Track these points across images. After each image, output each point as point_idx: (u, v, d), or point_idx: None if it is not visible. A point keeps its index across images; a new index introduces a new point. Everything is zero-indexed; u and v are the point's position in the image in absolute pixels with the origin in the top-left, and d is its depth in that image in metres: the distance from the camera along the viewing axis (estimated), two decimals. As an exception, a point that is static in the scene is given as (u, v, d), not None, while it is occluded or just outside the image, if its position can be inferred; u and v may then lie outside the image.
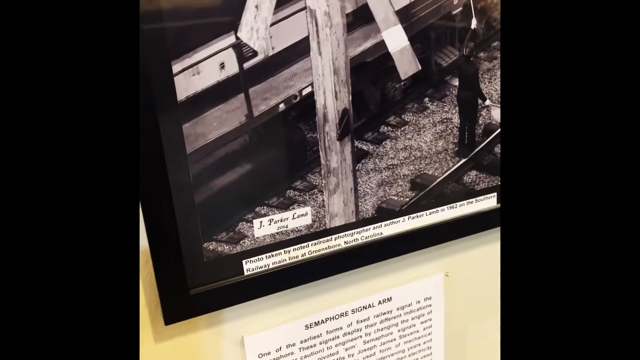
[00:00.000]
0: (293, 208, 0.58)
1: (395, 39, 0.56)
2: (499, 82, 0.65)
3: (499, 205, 0.69)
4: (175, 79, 0.49)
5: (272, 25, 0.51)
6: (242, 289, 0.58)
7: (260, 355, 0.62)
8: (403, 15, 0.56)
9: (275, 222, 0.57)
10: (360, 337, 0.68)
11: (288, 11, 0.51)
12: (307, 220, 0.59)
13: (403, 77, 0.59)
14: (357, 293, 0.67)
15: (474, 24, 0.60)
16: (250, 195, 0.55)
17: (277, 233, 0.58)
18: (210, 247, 0.55)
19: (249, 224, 0.56)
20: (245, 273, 0.57)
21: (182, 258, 0.53)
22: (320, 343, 0.65)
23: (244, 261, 0.57)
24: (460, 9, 0.59)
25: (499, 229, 0.70)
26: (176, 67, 0.48)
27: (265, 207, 0.57)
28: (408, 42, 0.57)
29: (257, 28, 0.50)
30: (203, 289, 0.56)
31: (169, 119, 0.49)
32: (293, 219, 0.58)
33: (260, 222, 0.57)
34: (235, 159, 0.53)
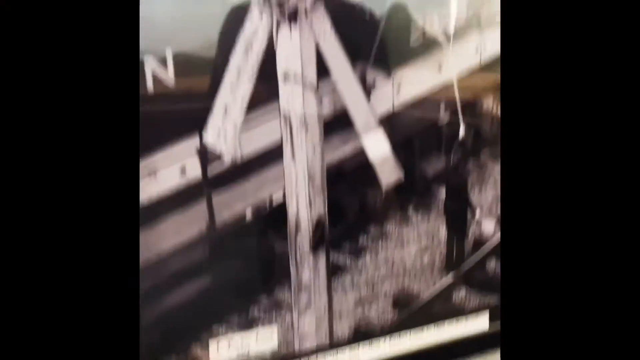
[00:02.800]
0: (256, 327, 0.51)
1: (377, 146, 0.52)
2: (490, 193, 0.60)
3: (493, 326, 0.62)
4: (129, 183, 0.44)
5: (242, 129, 0.47)
6: None
7: None
8: (385, 121, 0.53)
9: (235, 346, 0.50)
10: None
11: (260, 114, 0.47)
12: (273, 342, 0.52)
13: (385, 186, 0.54)
14: None
15: (462, 132, 0.56)
16: (207, 313, 0.49)
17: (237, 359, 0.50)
18: (157, 374, 0.48)
19: (202, 345, 0.49)
20: (196, 405, 0.49)
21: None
22: None
23: (195, 391, 0.49)
24: (448, 117, 0.56)
25: (493, 353, 0.62)
26: (130, 170, 0.44)
27: (224, 326, 0.50)
28: (390, 150, 0.53)
29: (225, 132, 0.46)
30: None
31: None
32: (256, 341, 0.51)
33: (217, 343, 0.49)
34: (191, 272, 0.47)
